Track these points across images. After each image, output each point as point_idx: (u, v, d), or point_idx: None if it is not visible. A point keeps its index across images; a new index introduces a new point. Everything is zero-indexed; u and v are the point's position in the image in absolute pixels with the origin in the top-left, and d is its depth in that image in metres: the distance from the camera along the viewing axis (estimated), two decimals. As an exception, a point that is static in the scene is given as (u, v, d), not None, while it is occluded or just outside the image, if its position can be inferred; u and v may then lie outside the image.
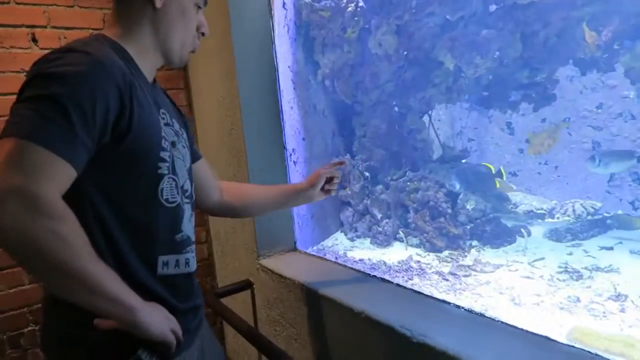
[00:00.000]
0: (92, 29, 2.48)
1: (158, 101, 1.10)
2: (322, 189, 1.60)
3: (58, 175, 0.83)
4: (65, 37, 2.40)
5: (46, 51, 2.32)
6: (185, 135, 1.20)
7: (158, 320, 0.94)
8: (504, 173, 2.86)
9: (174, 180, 1.07)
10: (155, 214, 1.04)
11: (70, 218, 0.83)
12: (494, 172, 2.87)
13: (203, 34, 1.17)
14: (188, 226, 1.15)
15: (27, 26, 2.30)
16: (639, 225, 2.71)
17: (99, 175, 0.95)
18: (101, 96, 0.87)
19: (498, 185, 2.83)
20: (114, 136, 0.93)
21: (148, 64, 1.10)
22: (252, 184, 1.62)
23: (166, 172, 1.04)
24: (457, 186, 2.73)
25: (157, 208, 1.04)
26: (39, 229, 0.77)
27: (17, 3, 2.26)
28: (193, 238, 1.19)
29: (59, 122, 0.82)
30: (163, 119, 1.07)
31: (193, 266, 1.16)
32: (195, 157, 1.35)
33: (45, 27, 2.35)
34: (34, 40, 2.32)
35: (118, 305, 0.87)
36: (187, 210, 1.15)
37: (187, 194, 1.15)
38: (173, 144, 1.09)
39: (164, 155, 1.03)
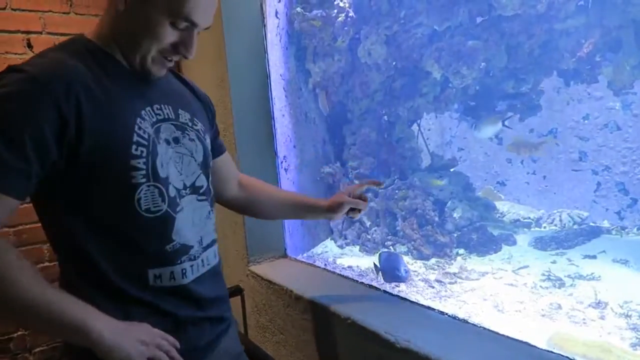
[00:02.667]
0: (86, 35, 2.50)
1: (149, 96, 1.02)
2: (347, 213, 1.47)
3: None
4: (59, 44, 2.42)
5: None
6: (199, 126, 1.12)
7: (127, 343, 0.87)
8: None
9: (156, 187, 0.96)
10: (135, 227, 0.96)
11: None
12: None
13: (184, 56, 1.00)
14: (192, 230, 1.05)
15: (23, 32, 2.31)
16: None
17: (68, 195, 0.92)
18: (31, 117, 0.83)
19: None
20: (63, 152, 0.87)
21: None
22: (274, 186, 1.52)
23: (143, 180, 0.94)
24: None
25: (135, 220, 0.95)
26: None
27: (13, 9, 2.28)
28: (209, 237, 1.11)
29: None
30: (151, 117, 0.99)
31: (190, 276, 1.04)
32: (218, 150, 1.30)
33: (40, 32, 2.36)
34: (29, 45, 2.33)
35: (72, 330, 0.84)
36: (201, 209, 1.08)
37: (201, 190, 1.08)
38: (176, 140, 1.03)
39: (136, 162, 0.93)
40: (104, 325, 0.86)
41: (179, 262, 1.01)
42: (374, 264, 2.16)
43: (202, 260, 1.08)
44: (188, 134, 1.07)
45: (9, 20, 2.27)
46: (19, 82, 0.84)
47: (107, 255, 0.95)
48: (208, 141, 1.15)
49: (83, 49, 0.96)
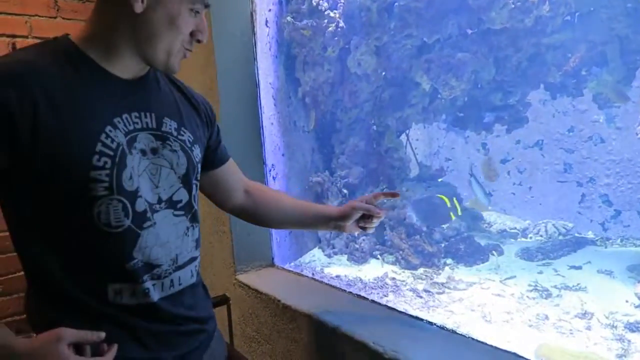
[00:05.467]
0: (73, 41, 2.48)
1: (129, 103, 0.97)
2: (358, 223, 1.38)
3: None
4: (45, 49, 2.40)
5: (26, 62, 2.30)
6: (186, 136, 1.05)
7: None
8: (458, 207, 2.86)
9: (119, 201, 0.90)
10: (94, 241, 0.91)
11: None
12: (448, 205, 2.87)
13: (199, 41, 1.00)
14: (163, 247, 0.98)
15: (8, 35, 2.29)
16: None
17: (21, 202, 0.89)
18: None
19: (453, 218, 2.82)
20: (13, 159, 0.84)
21: (123, 64, 0.96)
22: (283, 192, 1.48)
23: (104, 193, 0.88)
24: (414, 218, 2.76)
25: (94, 234, 0.90)
26: None
27: (-2, 13, 2.25)
28: (187, 256, 1.04)
29: None
30: (126, 125, 0.94)
31: (155, 296, 0.97)
32: (220, 160, 1.27)
33: (27, 37, 2.34)
34: (15, 49, 2.31)
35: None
36: (178, 225, 1.02)
37: (179, 205, 1.02)
38: (154, 150, 0.98)
39: (97, 174, 0.87)
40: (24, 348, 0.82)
41: (140, 281, 0.94)
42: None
43: (172, 280, 1.01)
44: (170, 145, 1.01)
45: (-6, 24, 2.25)
46: None
47: (65, 268, 0.91)
48: (197, 152, 1.08)
49: (61, 50, 0.92)
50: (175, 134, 1.03)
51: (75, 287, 0.91)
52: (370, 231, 1.41)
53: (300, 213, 1.39)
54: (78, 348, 0.86)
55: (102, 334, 0.88)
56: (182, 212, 1.03)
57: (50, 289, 0.92)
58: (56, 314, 0.90)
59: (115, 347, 0.90)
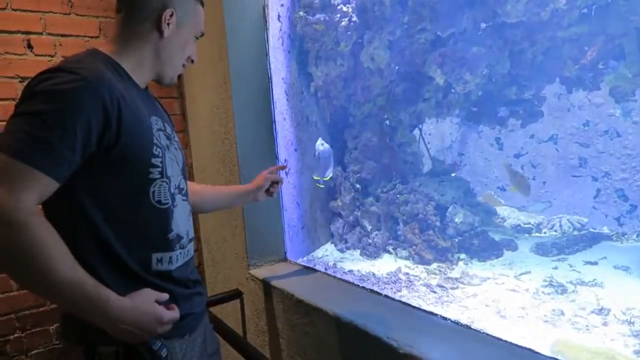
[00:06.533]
0: (88, 36, 2.50)
1: (151, 108, 1.19)
2: (267, 191, 1.73)
3: (34, 185, 0.91)
4: (60, 44, 2.42)
5: (41, 57, 2.34)
6: (177, 138, 1.28)
7: (139, 319, 1.02)
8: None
9: (166, 183, 1.13)
10: (146, 215, 1.11)
11: (33, 225, 0.89)
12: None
13: (192, 61, 1.29)
14: (182, 223, 1.21)
15: (23, 32, 2.31)
16: None
17: (89, 180, 1.03)
18: (83, 113, 0.95)
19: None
20: (100, 147, 1.00)
21: (142, 77, 1.20)
22: (206, 184, 1.69)
23: (158, 176, 1.11)
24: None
25: (148, 210, 1.11)
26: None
27: (13, 9, 2.28)
28: (191, 233, 1.28)
29: (40, 136, 0.91)
30: (156, 124, 1.15)
31: (182, 259, 1.21)
32: None
33: (41, 33, 2.36)
34: (30, 46, 2.33)
35: (93, 304, 0.95)
36: (186, 207, 1.25)
37: (183, 191, 1.24)
38: (167, 147, 1.17)
39: (155, 161, 1.10)
40: (118, 300, 0.99)
41: (174, 249, 1.17)
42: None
43: (188, 250, 1.25)
44: (174, 143, 1.22)
45: (9, 21, 2.28)
46: (73, 81, 0.96)
47: (120, 239, 1.07)
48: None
49: (108, 62, 1.11)
50: (172, 135, 1.25)
51: (127, 255, 1.08)
52: (274, 196, 1.78)
53: (224, 197, 1.68)
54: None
55: (167, 295, 1.11)
56: (185, 198, 1.26)
57: (102, 255, 1.06)
58: (106, 275, 1.04)
59: (175, 307, 1.12)
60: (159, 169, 1.11)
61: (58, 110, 0.93)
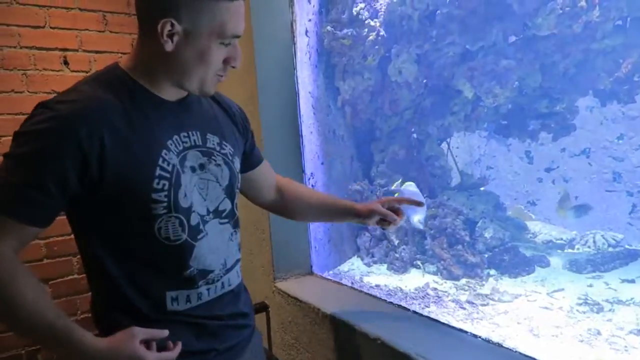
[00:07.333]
0: (122, 53, 2.58)
1: (178, 123, 1.05)
2: (378, 222, 1.47)
3: (8, 234, 0.88)
4: (95, 60, 2.50)
5: (76, 73, 2.42)
6: (227, 149, 1.14)
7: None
8: None
9: (175, 218, 1.00)
10: (155, 253, 1.01)
11: (14, 279, 0.87)
12: None
13: (233, 67, 1.05)
14: (212, 255, 1.08)
15: (60, 49, 2.40)
16: None
17: (92, 220, 0.99)
18: (55, 154, 0.89)
19: None
20: (85, 187, 0.93)
21: (166, 90, 1.05)
22: (309, 187, 1.57)
23: (163, 211, 0.98)
24: None
25: (157, 247, 1.00)
26: None
27: (51, 27, 2.37)
28: (231, 260, 1.14)
29: (10, 181, 0.88)
30: (178, 145, 1.03)
31: (212, 294, 1.09)
32: (255, 162, 1.35)
33: (77, 50, 2.44)
34: (66, 62, 2.42)
35: (66, 345, 0.90)
36: (224, 232, 1.11)
37: (224, 213, 1.11)
38: (202, 166, 1.06)
39: (158, 196, 0.97)
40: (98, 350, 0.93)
41: (194, 287, 1.05)
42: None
43: (223, 283, 1.12)
44: (214, 159, 1.10)
45: (47, 38, 2.37)
46: (47, 120, 0.89)
47: (129, 278, 1.00)
48: (237, 163, 1.18)
49: (116, 80, 1.00)
50: (218, 148, 1.11)
51: (137, 296, 1.01)
52: (387, 229, 1.51)
53: (324, 207, 1.49)
54: (147, 344, 0.97)
55: (166, 332, 1.00)
56: (226, 220, 1.12)
57: (113, 294, 1.01)
58: (120, 317, 1.00)
59: (179, 344, 1.01)
60: (164, 204, 0.98)
61: (30, 152, 0.88)
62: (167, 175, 0.99)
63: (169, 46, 0.95)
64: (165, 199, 0.98)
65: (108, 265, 0.99)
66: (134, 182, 0.95)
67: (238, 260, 1.18)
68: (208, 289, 1.08)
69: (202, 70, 1.01)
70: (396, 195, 1.57)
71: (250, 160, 1.32)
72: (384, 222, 1.45)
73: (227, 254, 1.12)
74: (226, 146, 1.14)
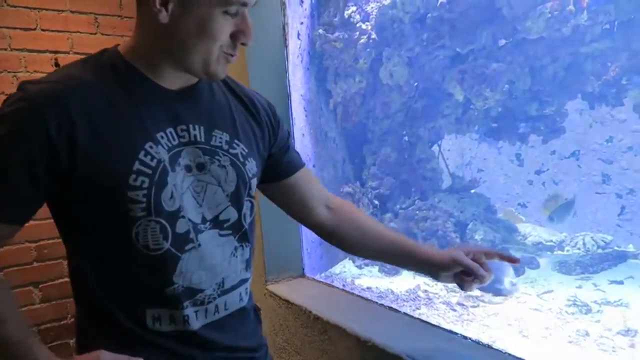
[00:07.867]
0: (112, 55, 2.56)
1: (177, 115, 0.90)
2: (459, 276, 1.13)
3: None
4: (86, 63, 2.49)
5: (68, 76, 2.39)
6: (238, 149, 0.97)
7: None
8: None
9: (157, 223, 0.85)
10: (133, 262, 0.86)
11: None
12: None
13: (243, 44, 0.89)
14: (207, 271, 0.91)
15: (51, 51, 2.38)
16: None
17: (68, 218, 0.88)
18: (20, 138, 0.78)
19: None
20: (57, 178, 0.81)
21: (167, 77, 0.90)
22: (370, 217, 1.28)
23: (141, 214, 0.83)
24: None
25: (135, 256, 0.85)
26: None
27: (42, 29, 2.35)
28: (236, 279, 0.96)
29: None
30: (170, 140, 0.88)
31: (208, 318, 0.93)
32: (290, 168, 1.13)
33: (68, 52, 2.43)
34: (57, 65, 2.40)
35: None
36: (226, 246, 0.94)
37: (226, 224, 0.94)
38: (201, 166, 0.91)
39: (134, 194, 0.82)
40: None
41: (180, 307, 0.88)
42: None
43: (217, 306, 0.94)
44: (218, 160, 0.92)
45: (38, 40, 2.35)
46: (15, 102, 0.79)
47: (105, 288, 0.88)
48: (252, 165, 0.98)
49: (108, 64, 0.88)
50: (225, 147, 0.94)
51: (115, 309, 0.88)
52: (467, 290, 1.16)
53: (389, 246, 1.18)
54: None
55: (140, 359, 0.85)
56: (229, 232, 0.94)
57: (92, 307, 0.90)
58: (96, 333, 0.90)
59: None
60: (142, 205, 0.83)
61: None
62: (149, 171, 0.83)
63: (164, 16, 0.81)
64: (144, 199, 0.83)
65: (86, 274, 0.88)
66: (109, 176, 0.81)
67: (244, 281, 0.99)
68: (196, 312, 0.90)
69: (205, 45, 0.84)
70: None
71: (282, 165, 1.12)
72: (465, 276, 1.11)
73: (227, 273, 0.94)
74: (238, 146, 0.96)
